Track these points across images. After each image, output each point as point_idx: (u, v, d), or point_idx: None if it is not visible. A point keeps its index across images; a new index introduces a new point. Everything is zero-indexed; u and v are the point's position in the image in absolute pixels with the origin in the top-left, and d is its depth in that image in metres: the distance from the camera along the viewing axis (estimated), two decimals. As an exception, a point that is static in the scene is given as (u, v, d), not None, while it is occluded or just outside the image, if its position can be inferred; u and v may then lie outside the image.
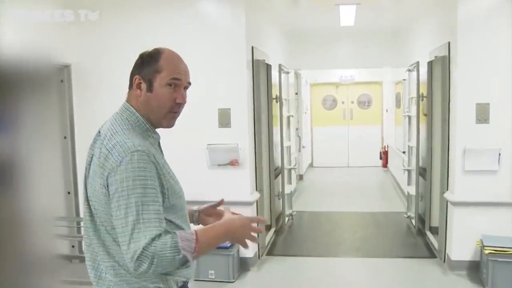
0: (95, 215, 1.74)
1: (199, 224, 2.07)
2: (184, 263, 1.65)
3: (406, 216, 6.85)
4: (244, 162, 5.13)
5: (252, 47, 5.31)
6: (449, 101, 5.01)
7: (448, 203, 5.01)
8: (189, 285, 1.87)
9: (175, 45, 1.97)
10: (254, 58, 5.36)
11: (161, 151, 1.91)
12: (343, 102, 13.24)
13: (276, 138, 6.53)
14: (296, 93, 10.69)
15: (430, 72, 5.80)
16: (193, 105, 4.68)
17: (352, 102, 13.22)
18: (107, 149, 1.67)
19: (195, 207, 2.09)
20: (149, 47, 1.87)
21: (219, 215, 2.04)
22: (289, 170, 7.33)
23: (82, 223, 1.99)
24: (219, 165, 5.15)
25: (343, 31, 8.70)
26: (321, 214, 7.85)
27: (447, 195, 5.02)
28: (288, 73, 7.09)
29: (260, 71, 5.66)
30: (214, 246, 1.77)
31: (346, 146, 13.14)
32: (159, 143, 1.91)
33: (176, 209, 1.79)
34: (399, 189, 9.21)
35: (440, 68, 5.23)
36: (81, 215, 2.30)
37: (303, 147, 11.10)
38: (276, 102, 6.39)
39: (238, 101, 5.10)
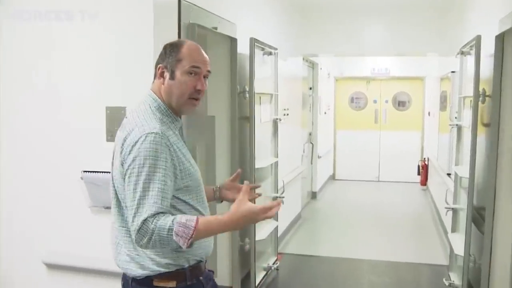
0: (118, 193, 1.85)
1: (222, 201, 2.21)
2: (178, 247, 1.71)
3: (447, 283, 4.36)
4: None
5: (179, 1, 3.00)
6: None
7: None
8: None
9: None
10: (185, 21, 3.05)
11: (182, 136, 1.96)
12: (375, 101, 10.75)
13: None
14: (311, 88, 8.34)
15: (500, 53, 3.38)
16: (60, 102, 2.96)
17: (386, 102, 10.72)
18: (127, 131, 1.79)
19: (214, 186, 2.19)
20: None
21: (238, 188, 2.07)
22: (275, 199, 4.99)
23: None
24: (107, 208, 2.89)
25: (370, 3, 6.26)
26: (323, 262, 5.46)
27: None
28: (271, 54, 4.71)
29: (205, 45, 3.36)
30: (214, 235, 1.90)
31: (377, 155, 10.67)
32: (181, 129, 1.98)
33: (190, 190, 1.86)
34: (439, 221, 6.71)
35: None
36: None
37: (319, 157, 8.72)
38: (244, 98, 4.05)
39: (143, 93, 2.80)
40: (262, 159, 4.47)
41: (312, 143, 8.31)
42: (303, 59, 7.20)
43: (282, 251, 5.55)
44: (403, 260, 5.44)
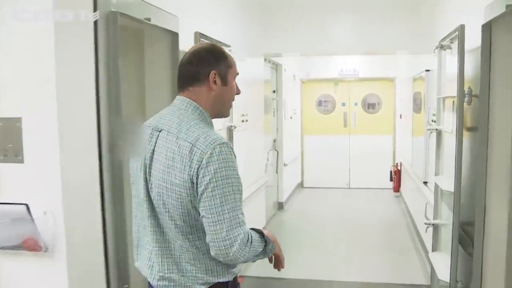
0: (161, 210, 1.79)
1: None
2: (261, 254, 1.80)
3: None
4: (59, 243, 2.18)
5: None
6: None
7: None
8: None
9: None
10: (104, 10, 2.42)
11: None
12: (343, 104, 10.26)
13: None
14: (274, 91, 7.78)
15: (487, 44, 2.83)
16: None
17: (356, 104, 10.24)
18: (190, 143, 1.72)
19: None
20: None
21: None
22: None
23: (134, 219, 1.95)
24: (2, 247, 2.24)
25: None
26: (290, 285, 4.90)
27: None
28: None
29: (138, 40, 2.74)
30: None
31: (347, 161, 10.18)
32: None
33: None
34: (415, 232, 6.22)
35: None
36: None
37: (285, 164, 8.15)
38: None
39: (44, 100, 2.17)
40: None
41: (277, 150, 7.75)
42: (265, 59, 6.64)
43: (243, 273, 4.94)
44: (379, 280, 4.91)
